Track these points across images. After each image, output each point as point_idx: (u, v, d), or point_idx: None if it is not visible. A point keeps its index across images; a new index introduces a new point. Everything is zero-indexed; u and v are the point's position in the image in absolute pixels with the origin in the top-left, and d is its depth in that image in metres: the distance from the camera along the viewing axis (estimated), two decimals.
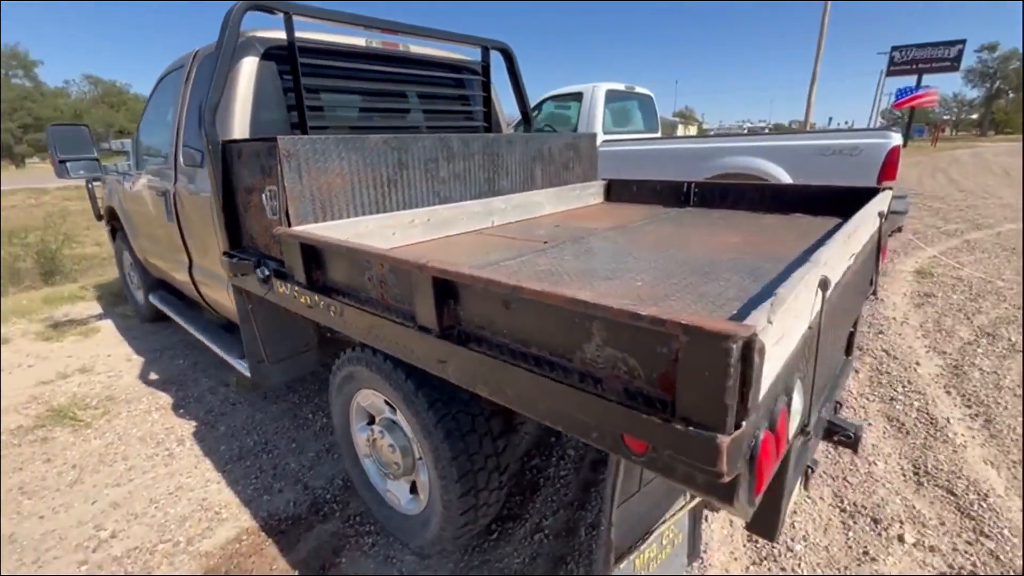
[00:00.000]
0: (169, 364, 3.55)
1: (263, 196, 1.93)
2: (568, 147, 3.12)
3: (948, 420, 2.60)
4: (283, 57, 2.35)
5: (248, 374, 2.36)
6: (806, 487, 1.63)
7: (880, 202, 2.05)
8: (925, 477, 2.21)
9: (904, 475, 2.24)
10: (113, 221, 4.18)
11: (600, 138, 5.73)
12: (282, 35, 2.29)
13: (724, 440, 0.75)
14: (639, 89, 6.59)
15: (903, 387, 2.95)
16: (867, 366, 3.25)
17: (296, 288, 1.69)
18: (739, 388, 0.75)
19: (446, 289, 1.18)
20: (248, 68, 2.30)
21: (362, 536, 1.99)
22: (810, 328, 1.12)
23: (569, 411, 0.99)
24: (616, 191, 3.35)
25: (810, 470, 1.57)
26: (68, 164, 3.16)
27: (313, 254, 1.62)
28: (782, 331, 0.87)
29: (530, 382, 1.04)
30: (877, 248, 2.04)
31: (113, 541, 2.01)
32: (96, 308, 4.88)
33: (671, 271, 1.64)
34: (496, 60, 3.25)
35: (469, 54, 3.29)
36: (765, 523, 1.34)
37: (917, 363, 3.23)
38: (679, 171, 5.03)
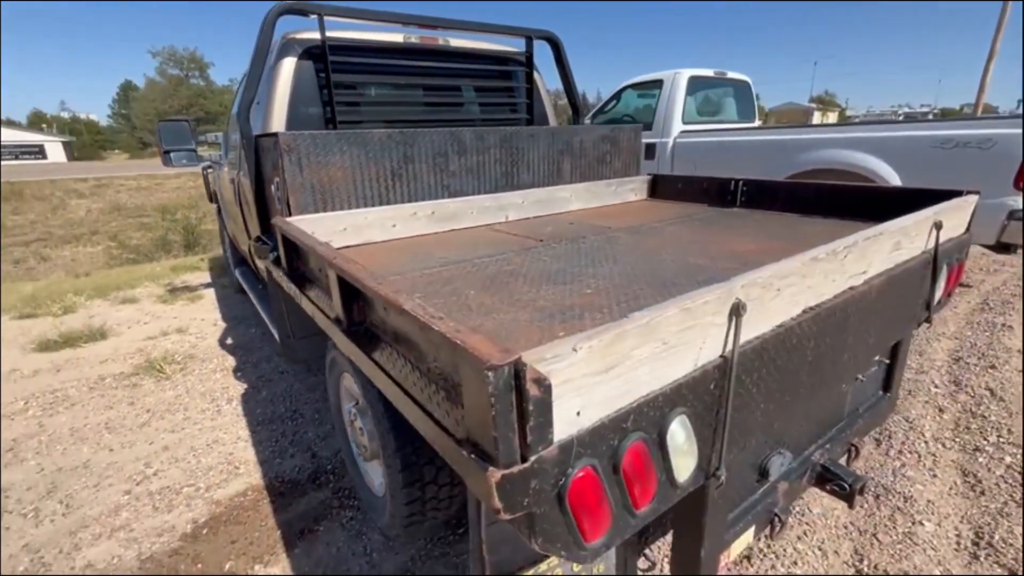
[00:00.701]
0: (244, 332, 4.04)
1: (273, 187, 2.11)
2: (605, 140, 2.96)
3: None
4: (320, 56, 2.52)
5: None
6: (771, 536, 1.41)
7: (947, 211, 1.68)
8: (986, 550, 1.80)
9: (958, 543, 1.84)
10: (218, 203, 4.83)
11: (677, 129, 5.37)
12: (329, 35, 2.45)
13: (494, 474, 0.68)
14: (732, 75, 6.01)
15: (998, 436, 2.40)
16: (958, 405, 2.70)
17: (281, 273, 1.83)
18: (516, 419, 0.68)
19: (350, 287, 1.20)
20: (287, 67, 2.50)
21: (344, 509, 2.12)
22: (723, 359, 0.97)
23: (421, 422, 0.96)
24: (661, 187, 3.13)
25: (777, 519, 1.36)
26: (172, 154, 3.70)
27: (290, 244, 1.74)
28: (616, 360, 0.76)
29: (398, 392, 1.03)
30: (933, 267, 1.68)
31: (154, 478, 2.36)
32: (206, 278, 5.69)
33: (637, 279, 1.51)
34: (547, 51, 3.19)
35: (518, 45, 3.25)
36: (685, 570, 1.19)
37: None
38: (761, 165, 4.53)
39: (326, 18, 2.43)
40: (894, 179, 3.82)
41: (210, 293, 5.10)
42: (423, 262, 1.82)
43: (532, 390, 0.66)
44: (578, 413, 0.74)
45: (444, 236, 2.26)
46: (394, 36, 2.81)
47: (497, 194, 2.51)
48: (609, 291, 1.41)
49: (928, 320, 1.76)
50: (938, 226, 1.62)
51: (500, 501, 0.69)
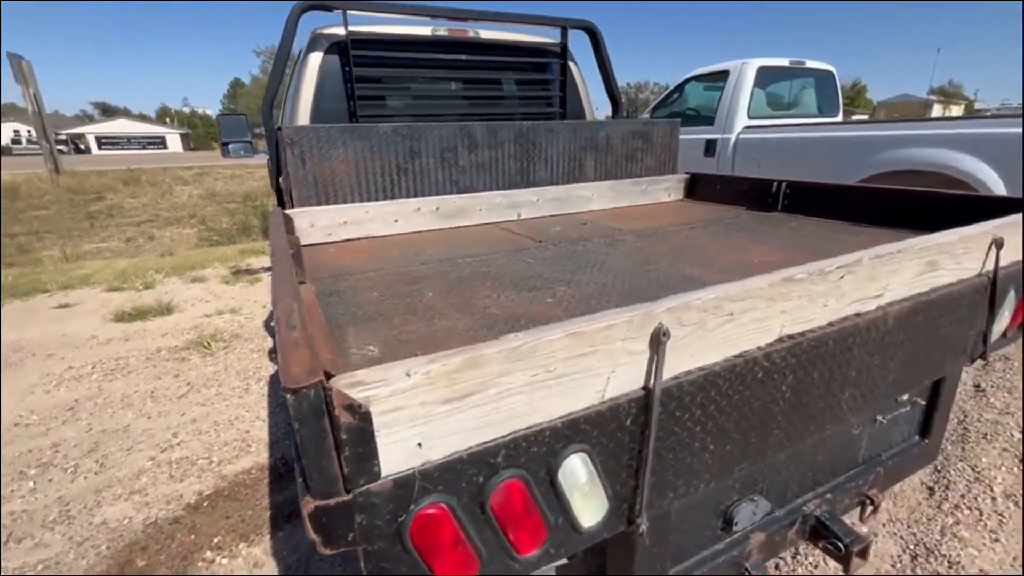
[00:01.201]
0: None
1: (280, 178, 2.16)
2: (635, 135, 2.77)
3: None
4: (345, 50, 2.56)
5: None
6: None
7: (1013, 226, 1.39)
8: None
9: None
10: None
11: (741, 124, 4.96)
12: (353, 30, 2.49)
13: (308, 504, 0.62)
14: (812, 64, 5.43)
15: None
16: None
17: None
18: (332, 447, 0.61)
19: None
20: (313, 62, 2.56)
21: None
22: (646, 390, 0.84)
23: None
24: (700, 187, 2.88)
25: (747, 572, 1.19)
26: (230, 146, 3.96)
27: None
28: (473, 388, 0.67)
29: None
30: (992, 292, 1.39)
31: (178, 448, 2.53)
32: (267, 262, 6.08)
33: (613, 289, 1.37)
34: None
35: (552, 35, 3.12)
36: None
37: None
38: (833, 165, 4.05)
39: (357, 13, 2.47)
40: (997, 185, 3.27)
41: (267, 276, 5.44)
42: (407, 259, 1.78)
43: (343, 417, 0.59)
44: (419, 445, 0.66)
45: (446, 233, 2.21)
46: (423, 29, 2.80)
47: (509, 191, 2.42)
48: (572, 301, 1.29)
49: (984, 356, 1.46)
50: (998, 244, 1.33)
51: (316, 533, 0.63)
